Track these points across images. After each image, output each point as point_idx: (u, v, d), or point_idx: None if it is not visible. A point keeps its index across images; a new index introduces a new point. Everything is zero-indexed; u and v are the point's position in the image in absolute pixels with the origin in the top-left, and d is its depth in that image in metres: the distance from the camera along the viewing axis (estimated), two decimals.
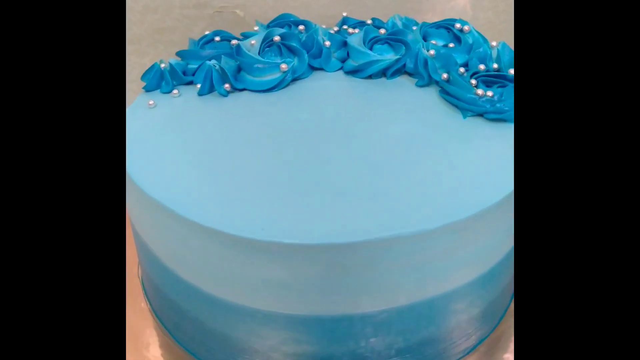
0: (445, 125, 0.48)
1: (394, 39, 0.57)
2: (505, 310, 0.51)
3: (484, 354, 0.48)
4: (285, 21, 0.61)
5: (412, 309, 0.41)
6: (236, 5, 0.72)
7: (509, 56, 0.55)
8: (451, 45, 0.57)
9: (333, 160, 0.43)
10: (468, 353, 0.48)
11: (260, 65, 0.53)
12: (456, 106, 0.50)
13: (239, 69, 0.54)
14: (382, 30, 0.58)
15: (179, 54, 0.57)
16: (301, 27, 0.60)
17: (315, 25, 0.60)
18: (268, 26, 0.61)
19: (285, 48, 0.55)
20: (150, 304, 0.53)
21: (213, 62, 0.53)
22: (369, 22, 0.62)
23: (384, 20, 0.63)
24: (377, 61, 0.55)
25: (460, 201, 0.39)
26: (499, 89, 0.50)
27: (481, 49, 0.55)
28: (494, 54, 0.55)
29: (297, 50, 0.55)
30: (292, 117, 0.49)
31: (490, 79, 0.51)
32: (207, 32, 0.59)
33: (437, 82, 0.54)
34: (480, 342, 0.48)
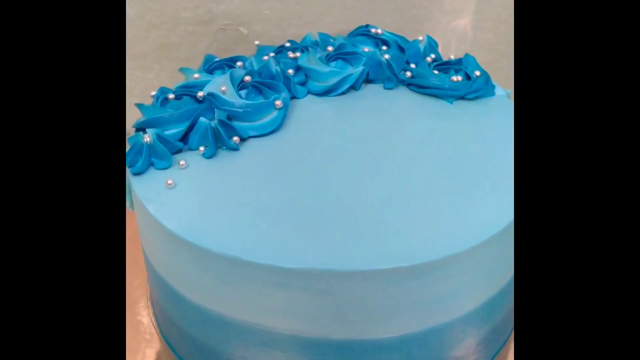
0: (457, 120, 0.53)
1: (345, 52, 0.58)
2: (510, 333, 0.52)
3: None
4: (219, 62, 0.58)
5: (417, 336, 0.42)
6: (240, 23, 0.73)
7: (435, 44, 0.61)
8: (384, 47, 0.60)
9: (352, 189, 0.44)
10: None
11: (251, 110, 0.50)
12: (435, 95, 0.56)
13: (228, 119, 0.50)
14: (330, 48, 0.59)
15: (137, 125, 0.49)
16: (239, 63, 0.57)
17: (249, 57, 0.59)
18: (207, 70, 0.57)
19: (262, 85, 0.53)
20: (160, 328, 0.54)
21: (202, 119, 0.48)
22: (287, 44, 0.62)
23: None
24: (348, 76, 0.56)
25: (466, 229, 0.40)
26: (459, 73, 0.57)
27: (411, 45, 0.60)
28: (423, 46, 0.61)
29: (275, 85, 0.54)
30: (317, 149, 0.49)
31: (442, 67, 0.59)
32: (152, 93, 0.53)
33: (402, 82, 0.58)
34: None
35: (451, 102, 0.55)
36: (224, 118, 0.48)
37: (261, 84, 0.53)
